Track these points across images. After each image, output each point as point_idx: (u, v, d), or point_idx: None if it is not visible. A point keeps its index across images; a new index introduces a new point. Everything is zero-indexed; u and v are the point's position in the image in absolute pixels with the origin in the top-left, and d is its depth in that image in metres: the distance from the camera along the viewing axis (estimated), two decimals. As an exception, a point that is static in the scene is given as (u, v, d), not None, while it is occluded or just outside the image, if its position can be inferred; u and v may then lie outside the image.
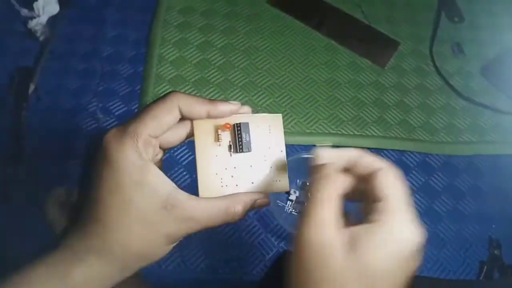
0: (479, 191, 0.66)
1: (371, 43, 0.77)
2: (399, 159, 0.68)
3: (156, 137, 0.28)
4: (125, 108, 0.69)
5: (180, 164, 0.64)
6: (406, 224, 0.25)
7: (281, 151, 0.32)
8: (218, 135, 0.30)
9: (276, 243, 0.60)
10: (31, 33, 0.72)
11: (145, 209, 0.26)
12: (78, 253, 0.26)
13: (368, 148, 0.68)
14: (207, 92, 0.70)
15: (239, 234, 0.60)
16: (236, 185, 0.31)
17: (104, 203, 0.26)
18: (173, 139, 0.30)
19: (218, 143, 0.31)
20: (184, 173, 0.64)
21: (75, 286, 0.26)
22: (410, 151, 0.69)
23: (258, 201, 0.30)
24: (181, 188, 0.59)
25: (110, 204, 0.26)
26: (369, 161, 0.28)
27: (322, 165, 0.28)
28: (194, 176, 0.63)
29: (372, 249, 0.24)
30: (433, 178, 0.67)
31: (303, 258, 0.25)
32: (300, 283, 0.25)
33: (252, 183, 0.31)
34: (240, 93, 0.70)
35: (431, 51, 0.77)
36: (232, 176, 0.31)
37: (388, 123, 0.70)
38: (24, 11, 0.73)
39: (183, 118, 0.29)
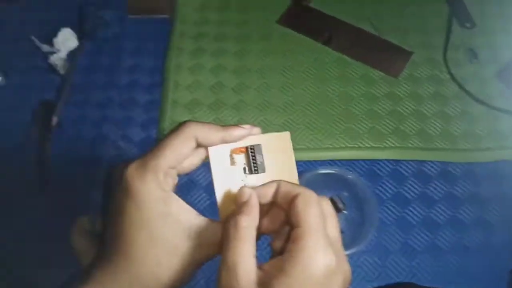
0: (504, 198, 0.65)
1: (383, 54, 0.77)
2: (419, 169, 0.67)
3: (174, 168, 0.29)
4: (144, 135, 0.71)
5: (199, 186, 0.65)
6: (319, 250, 0.25)
7: (293, 167, 0.33)
8: (232, 159, 0.31)
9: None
10: (52, 68, 0.75)
11: (171, 240, 0.27)
12: (108, 287, 0.27)
13: (387, 160, 0.68)
14: (223, 114, 0.71)
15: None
16: None
17: (130, 238, 0.27)
18: (188, 166, 0.31)
19: (233, 166, 0.31)
20: (204, 195, 0.65)
21: None
22: (429, 161, 0.68)
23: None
24: (202, 210, 0.60)
25: (136, 238, 0.27)
26: (286, 189, 0.28)
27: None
28: (213, 197, 0.64)
29: (285, 284, 0.24)
30: (455, 187, 0.66)
31: None
32: None
33: None
34: (255, 113, 0.71)
35: (444, 58, 0.76)
36: None
37: (405, 133, 0.70)
38: (45, 47, 0.76)
39: (197, 146, 0.30)
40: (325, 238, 0.26)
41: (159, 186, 0.27)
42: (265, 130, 0.33)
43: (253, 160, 0.31)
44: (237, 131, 0.31)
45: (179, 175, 0.31)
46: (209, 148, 0.31)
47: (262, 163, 0.31)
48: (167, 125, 0.70)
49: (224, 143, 0.31)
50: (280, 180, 0.29)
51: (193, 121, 0.30)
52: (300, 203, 0.27)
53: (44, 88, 0.75)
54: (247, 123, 0.72)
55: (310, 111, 0.72)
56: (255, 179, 0.32)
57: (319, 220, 0.26)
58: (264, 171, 0.32)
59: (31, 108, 0.73)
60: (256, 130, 0.32)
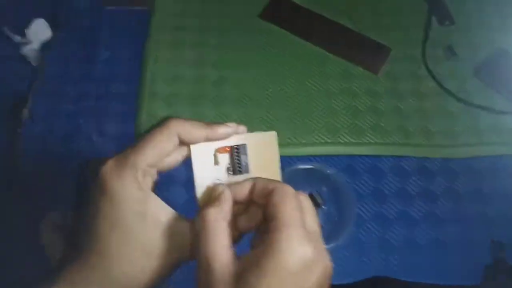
0: (480, 194, 0.66)
1: (363, 51, 0.77)
2: (397, 165, 0.67)
3: (155, 166, 0.28)
4: (120, 129, 0.69)
5: (176, 181, 0.64)
6: (293, 241, 0.25)
7: (277, 167, 0.32)
8: (216, 158, 0.30)
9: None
10: (24, 59, 0.72)
11: (147, 240, 0.26)
12: (79, 286, 0.26)
13: (366, 156, 0.68)
14: (202, 108, 0.70)
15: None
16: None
17: (104, 236, 0.26)
18: (170, 163, 0.30)
19: (216, 166, 0.30)
20: (183, 190, 0.63)
21: None
22: (408, 156, 0.68)
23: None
24: (180, 206, 0.59)
25: (110, 237, 0.26)
26: (262, 185, 0.28)
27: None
28: (191, 192, 0.63)
29: (259, 277, 0.24)
30: (432, 183, 0.66)
31: None
32: None
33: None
34: (234, 107, 0.70)
35: (423, 55, 0.77)
36: None
37: (384, 129, 0.70)
38: (17, 38, 0.73)
39: (181, 143, 0.29)
40: (301, 229, 0.25)
41: (136, 185, 0.26)
42: (245, 125, 0.32)
43: (237, 160, 0.30)
44: (221, 129, 0.30)
45: (158, 172, 0.30)
46: (192, 146, 0.30)
47: (247, 164, 0.31)
48: (144, 118, 0.68)
49: (208, 141, 0.30)
50: (257, 177, 0.29)
51: (176, 118, 0.29)
52: (275, 197, 0.26)
53: (15, 80, 0.73)
54: (226, 117, 0.71)
55: (290, 106, 0.71)
56: (238, 179, 0.31)
57: (296, 213, 0.26)
58: (248, 172, 0.31)
59: (1, 100, 0.70)
60: (242, 128, 0.31)
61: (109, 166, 0.26)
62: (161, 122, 0.28)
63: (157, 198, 0.27)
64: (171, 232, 0.27)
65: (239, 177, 0.31)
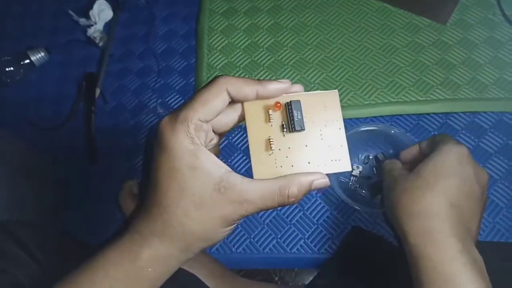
0: None
1: (428, 0, 0.71)
2: (472, 121, 0.63)
3: (207, 122, 0.28)
4: (182, 101, 0.71)
5: (238, 150, 0.65)
6: (450, 144, 0.37)
7: (339, 128, 0.30)
8: (269, 115, 0.30)
9: (342, 220, 0.59)
10: (91, 40, 0.77)
11: (199, 192, 0.27)
12: (145, 236, 0.28)
13: (435, 114, 0.63)
14: (258, 75, 0.70)
15: (303, 213, 0.60)
16: (292, 166, 0.30)
17: (162, 188, 0.27)
18: (225, 122, 0.30)
19: (270, 123, 0.30)
20: (244, 158, 0.65)
21: (144, 267, 0.27)
22: (483, 112, 0.63)
23: (316, 181, 0.29)
24: (241, 173, 0.60)
25: (167, 188, 0.27)
26: (426, 143, 0.43)
27: None
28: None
29: (429, 164, 0.37)
30: (513, 139, 0.60)
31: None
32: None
33: (309, 163, 0.30)
34: (291, 72, 0.69)
35: (499, -1, 0.69)
36: (286, 157, 0.30)
37: (456, 83, 0.65)
38: (82, 21, 0.78)
39: (233, 102, 0.29)
40: (458, 146, 0.37)
41: (188, 137, 0.27)
42: (301, 84, 0.31)
43: (290, 117, 0.29)
44: (273, 85, 0.29)
45: (218, 133, 0.30)
46: (245, 104, 0.30)
47: (300, 120, 0.29)
48: (204, 89, 0.70)
49: (260, 97, 0.29)
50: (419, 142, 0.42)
51: (226, 75, 0.28)
52: (438, 136, 0.39)
53: (85, 61, 0.78)
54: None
55: (350, 67, 0.68)
56: (294, 138, 0.30)
57: (454, 142, 0.37)
58: (302, 129, 0.29)
59: (75, 81, 0.75)
60: (298, 87, 0.30)
61: (164, 122, 0.28)
62: (212, 79, 0.28)
63: (209, 153, 0.27)
64: (223, 187, 0.27)
65: (293, 135, 0.30)
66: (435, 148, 0.37)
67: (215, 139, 0.31)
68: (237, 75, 0.70)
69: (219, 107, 0.28)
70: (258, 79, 0.29)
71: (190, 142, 0.27)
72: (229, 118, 0.30)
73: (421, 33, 0.69)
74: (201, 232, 0.28)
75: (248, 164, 0.64)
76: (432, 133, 0.63)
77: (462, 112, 0.63)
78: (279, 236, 0.59)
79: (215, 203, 0.27)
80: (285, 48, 0.71)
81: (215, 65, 0.72)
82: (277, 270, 0.67)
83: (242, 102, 0.30)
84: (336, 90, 0.31)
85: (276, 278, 0.67)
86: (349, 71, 0.68)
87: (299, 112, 0.29)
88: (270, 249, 0.58)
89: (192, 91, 0.71)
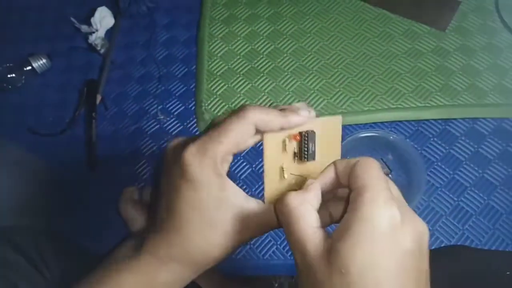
0: None
1: (427, 7, 0.71)
2: (471, 128, 0.63)
3: (231, 153, 0.29)
4: (183, 107, 0.71)
5: (239, 156, 0.65)
6: (380, 201, 0.24)
7: (338, 152, 0.32)
8: (285, 145, 0.31)
9: (343, 226, 0.59)
10: (92, 47, 0.77)
11: (221, 220, 0.29)
12: (164, 261, 0.29)
13: (434, 120, 0.64)
14: (258, 82, 0.70)
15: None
16: None
17: (183, 216, 0.28)
18: (243, 147, 0.30)
19: (285, 152, 0.31)
20: (244, 163, 0.65)
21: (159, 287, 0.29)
22: (483, 118, 0.63)
23: None
24: (241, 178, 0.60)
25: (189, 218, 0.28)
26: (345, 163, 0.28)
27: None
28: (254, 166, 0.64)
29: (351, 243, 0.23)
30: (511, 144, 0.61)
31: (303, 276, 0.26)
32: None
33: None
34: (291, 78, 0.69)
35: (497, 6, 0.69)
36: (295, 182, 0.32)
37: (455, 90, 0.65)
38: (84, 28, 0.78)
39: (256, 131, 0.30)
40: (386, 191, 0.24)
41: (216, 171, 0.28)
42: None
43: (305, 147, 0.30)
44: (295, 118, 0.29)
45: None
46: (265, 135, 0.30)
47: (313, 152, 0.31)
48: (203, 96, 0.70)
49: (282, 130, 0.30)
50: (334, 161, 0.29)
51: (253, 105, 0.29)
52: (358, 167, 0.26)
53: (86, 68, 0.78)
54: (283, 89, 0.71)
55: (349, 73, 0.68)
56: (303, 166, 0.31)
57: (380, 178, 0.25)
58: (314, 159, 0.31)
59: (76, 88, 0.76)
60: (312, 114, 0.31)
61: (190, 153, 0.28)
62: (239, 110, 0.29)
63: (232, 184, 0.29)
64: (242, 213, 0.29)
65: (305, 164, 0.31)
66: (357, 203, 0.25)
67: (230, 162, 0.32)
68: (237, 81, 0.71)
69: (245, 140, 0.29)
70: (282, 110, 0.30)
71: (217, 175, 0.28)
72: (247, 144, 0.30)
73: (420, 40, 0.69)
74: (220, 255, 0.30)
75: (249, 170, 0.64)
76: (432, 139, 0.63)
77: (461, 118, 0.64)
78: (278, 242, 0.59)
79: (236, 230, 0.29)
80: (285, 55, 0.72)
81: (215, 71, 0.72)
82: (277, 276, 0.66)
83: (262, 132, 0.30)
84: (340, 116, 0.32)
85: (276, 285, 0.66)
86: (348, 78, 0.68)
87: (313, 144, 0.30)
88: (269, 255, 0.58)
89: (192, 97, 0.72)
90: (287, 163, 0.31)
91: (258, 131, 0.30)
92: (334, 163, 0.29)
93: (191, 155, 0.28)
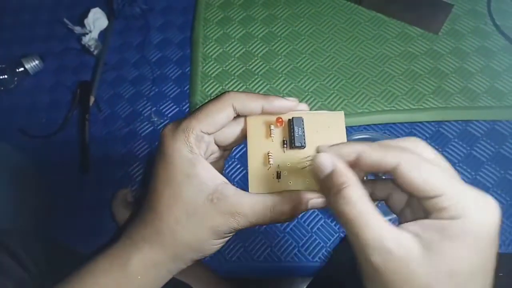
0: (562, 156, 0.59)
1: (421, 9, 0.72)
2: (464, 130, 0.63)
3: (209, 134, 0.29)
4: (176, 109, 0.71)
5: (232, 157, 0.65)
6: (478, 208, 0.22)
7: None
8: (270, 130, 0.30)
9: (336, 228, 0.59)
10: (85, 49, 0.77)
11: (192, 201, 0.27)
12: (136, 241, 0.28)
13: (428, 122, 0.64)
14: (253, 83, 0.70)
15: (298, 221, 0.60)
16: (290, 182, 0.29)
17: (157, 193, 0.28)
18: (227, 135, 0.30)
19: (271, 138, 0.30)
20: (238, 166, 0.65)
21: (134, 274, 0.27)
22: (475, 120, 0.63)
23: (312, 201, 0.28)
24: (235, 181, 0.60)
25: (161, 194, 0.27)
26: (375, 158, 0.24)
27: (333, 175, 0.24)
28: (247, 168, 0.64)
29: (452, 249, 0.21)
30: (504, 147, 0.61)
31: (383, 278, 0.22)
32: None
33: (307, 181, 0.29)
34: (285, 80, 0.70)
35: (489, 9, 0.70)
36: (285, 173, 0.29)
37: (448, 92, 0.65)
38: (77, 29, 0.78)
39: (238, 116, 0.29)
40: (478, 192, 0.22)
41: (187, 146, 0.27)
42: (296, 97, 0.30)
43: (291, 132, 0.29)
44: (279, 102, 0.29)
45: (221, 146, 0.30)
46: (247, 118, 0.30)
47: (301, 136, 0.29)
48: (198, 97, 0.70)
49: (265, 112, 0.29)
50: (366, 145, 0.24)
51: (234, 91, 0.29)
52: (412, 177, 0.22)
53: (79, 69, 0.78)
54: (278, 91, 0.71)
55: (343, 75, 0.69)
56: (294, 154, 0.30)
57: (445, 176, 0.23)
58: (302, 146, 0.29)
59: (69, 89, 0.75)
60: (303, 106, 0.30)
61: (167, 128, 0.28)
62: (219, 94, 0.29)
63: (207, 164, 0.27)
64: (217, 198, 0.27)
65: (293, 152, 0.29)
66: (449, 206, 0.22)
67: (217, 153, 0.31)
68: (232, 83, 0.71)
69: (223, 121, 0.28)
70: (265, 94, 0.29)
71: (189, 150, 0.27)
72: (231, 131, 0.30)
73: (413, 43, 0.70)
74: (192, 242, 0.27)
75: (243, 172, 0.64)
76: (425, 141, 0.63)
77: (454, 121, 0.64)
78: (273, 245, 0.59)
79: (206, 213, 0.27)
80: (279, 57, 0.72)
81: (209, 73, 0.72)
82: (271, 279, 0.66)
83: (245, 116, 0.30)
84: (342, 112, 0.30)
85: None
86: (342, 80, 0.68)
87: (300, 128, 0.29)
88: (264, 257, 0.58)
89: (186, 99, 0.71)
90: (274, 151, 0.30)
91: (241, 115, 0.29)
92: (365, 147, 0.24)
93: (167, 129, 0.28)
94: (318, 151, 0.28)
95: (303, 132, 0.29)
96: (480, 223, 0.22)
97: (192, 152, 0.27)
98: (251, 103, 0.28)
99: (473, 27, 0.70)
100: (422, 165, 0.23)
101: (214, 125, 0.28)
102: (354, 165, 0.25)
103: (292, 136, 0.29)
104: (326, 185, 0.24)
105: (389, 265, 0.22)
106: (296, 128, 0.29)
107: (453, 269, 0.21)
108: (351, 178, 0.24)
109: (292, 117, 0.29)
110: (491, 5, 0.70)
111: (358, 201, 0.23)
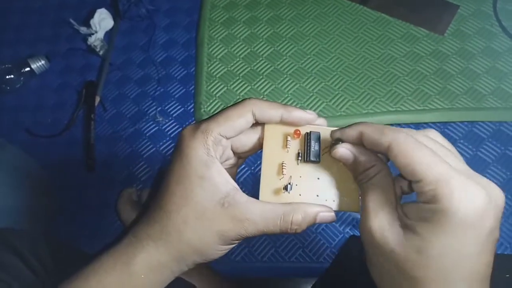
0: None
1: (426, 10, 0.72)
2: (470, 131, 0.63)
3: (227, 138, 0.29)
4: (182, 109, 0.71)
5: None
6: (464, 192, 0.23)
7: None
8: (287, 141, 0.30)
9: (341, 229, 0.59)
10: (91, 49, 0.77)
11: (202, 202, 0.27)
12: (141, 239, 0.28)
13: (433, 123, 0.64)
14: (258, 84, 0.70)
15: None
16: (300, 194, 0.29)
17: (169, 192, 0.28)
18: (244, 142, 0.30)
19: (286, 149, 0.30)
20: (242, 166, 0.65)
21: (137, 273, 0.27)
22: (481, 121, 0.63)
23: (321, 214, 0.28)
24: (239, 182, 0.60)
25: (173, 193, 0.27)
26: (373, 137, 0.26)
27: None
28: (253, 169, 0.64)
29: (422, 229, 0.23)
30: (510, 148, 0.61)
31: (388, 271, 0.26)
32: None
33: (317, 196, 0.29)
34: (290, 81, 0.70)
35: (495, 10, 0.70)
36: (296, 185, 0.30)
37: (454, 93, 0.65)
38: (83, 29, 0.78)
39: (256, 124, 0.30)
40: (471, 175, 0.24)
41: (204, 148, 0.27)
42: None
43: (307, 146, 0.29)
44: (298, 113, 0.29)
45: (237, 152, 0.31)
46: (266, 125, 0.30)
47: (317, 151, 0.29)
48: (203, 98, 0.70)
49: (283, 122, 0.29)
50: (363, 124, 0.27)
51: (255, 98, 0.29)
52: (403, 153, 0.24)
53: (85, 70, 0.78)
54: (282, 92, 0.71)
55: (348, 76, 0.69)
56: (307, 168, 0.30)
57: (434, 159, 0.24)
58: (317, 160, 0.29)
59: (75, 89, 0.76)
60: (321, 121, 0.30)
61: (187, 129, 0.28)
62: (241, 100, 0.29)
63: (221, 168, 0.28)
64: (228, 203, 0.27)
65: (307, 166, 0.30)
66: (425, 188, 0.24)
67: (232, 160, 0.31)
68: (236, 84, 0.71)
69: (242, 126, 0.29)
70: (285, 104, 0.30)
71: (206, 152, 0.27)
72: (248, 138, 0.30)
73: (419, 43, 0.70)
74: (197, 244, 0.27)
75: (248, 173, 0.64)
76: (430, 142, 0.63)
77: (460, 122, 0.64)
78: (277, 245, 0.59)
79: (215, 217, 0.27)
80: (284, 57, 0.72)
81: (214, 73, 0.72)
82: (276, 279, 0.66)
83: (264, 124, 0.30)
84: None
85: (275, 288, 0.66)
86: (347, 81, 0.68)
87: (317, 143, 0.29)
88: (268, 257, 0.58)
89: (191, 99, 0.72)
90: (288, 162, 0.30)
91: (259, 123, 0.29)
92: (362, 127, 0.26)
93: (187, 129, 0.28)
94: (332, 137, 0.29)
95: (319, 147, 0.29)
96: (454, 209, 0.23)
97: (209, 154, 0.27)
98: (271, 110, 0.29)
99: (479, 28, 0.70)
100: (410, 149, 0.24)
101: (233, 129, 0.28)
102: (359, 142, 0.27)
103: (308, 150, 0.29)
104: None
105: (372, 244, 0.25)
106: (313, 143, 0.29)
107: (421, 247, 0.23)
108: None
109: (310, 131, 0.30)
110: (497, 6, 0.70)
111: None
